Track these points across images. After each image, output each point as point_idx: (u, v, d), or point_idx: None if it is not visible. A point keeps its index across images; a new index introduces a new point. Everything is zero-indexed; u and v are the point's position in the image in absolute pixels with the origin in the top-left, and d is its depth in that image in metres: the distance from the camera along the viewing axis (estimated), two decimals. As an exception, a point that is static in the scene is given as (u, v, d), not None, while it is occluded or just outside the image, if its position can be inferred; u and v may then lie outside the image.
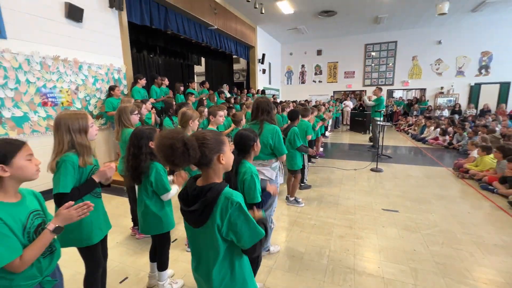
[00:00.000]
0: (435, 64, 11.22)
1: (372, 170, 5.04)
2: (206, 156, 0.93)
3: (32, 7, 3.58)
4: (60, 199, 1.33)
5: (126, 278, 2.10)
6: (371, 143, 7.74)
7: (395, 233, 2.73)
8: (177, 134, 0.88)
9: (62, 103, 4.03)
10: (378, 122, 6.25)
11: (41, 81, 3.74)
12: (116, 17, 4.84)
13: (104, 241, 1.66)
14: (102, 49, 4.61)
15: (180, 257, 2.35)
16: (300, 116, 3.57)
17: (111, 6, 4.62)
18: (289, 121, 3.48)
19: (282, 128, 3.37)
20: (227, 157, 1.01)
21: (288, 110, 6.42)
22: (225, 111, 2.99)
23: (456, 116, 9.65)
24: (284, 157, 2.39)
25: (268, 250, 2.40)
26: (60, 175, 1.34)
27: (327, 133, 9.22)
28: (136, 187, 1.85)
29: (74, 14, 4.04)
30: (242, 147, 1.61)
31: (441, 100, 11.34)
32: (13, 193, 1.02)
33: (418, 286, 1.97)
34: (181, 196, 1.03)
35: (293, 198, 3.51)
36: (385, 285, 1.99)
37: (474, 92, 10.77)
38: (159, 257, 1.89)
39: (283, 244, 2.57)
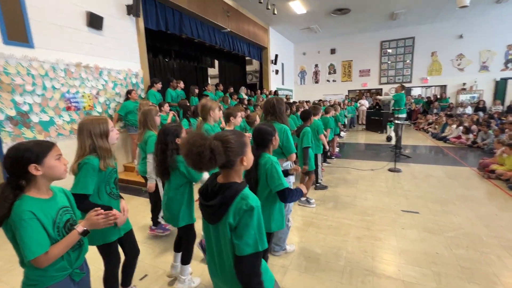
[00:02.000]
0: (456, 60, 10.74)
1: (390, 170, 4.89)
2: (230, 160, 0.96)
3: (57, 18, 3.79)
4: (79, 199, 1.37)
5: (146, 275, 2.16)
6: (389, 143, 7.52)
7: (416, 235, 2.64)
8: (205, 141, 0.90)
9: (84, 108, 4.23)
10: (396, 121, 6.04)
11: (65, 87, 3.94)
12: (134, 24, 5.02)
13: (131, 238, 1.75)
14: (121, 55, 4.80)
15: (198, 257, 2.39)
16: (312, 116, 3.52)
17: (128, 13, 4.80)
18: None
19: (293, 130, 3.36)
20: (249, 158, 1.04)
21: (302, 110, 6.38)
22: (243, 113, 3.02)
23: (481, 113, 9.17)
24: (293, 156, 2.33)
25: (285, 249, 2.39)
26: (80, 176, 1.42)
27: (342, 133, 9.05)
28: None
29: (95, 22, 4.23)
30: (261, 141, 1.63)
31: (463, 97, 10.81)
32: (45, 190, 1.10)
33: (442, 291, 1.89)
34: (201, 190, 1.06)
35: (305, 198, 3.48)
36: (406, 288, 1.93)
37: (500, 88, 10.18)
38: (184, 249, 1.96)
39: (298, 245, 2.55)
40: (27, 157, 1.00)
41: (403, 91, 6.35)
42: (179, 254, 2.09)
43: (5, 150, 3.31)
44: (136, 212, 3.39)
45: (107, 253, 1.61)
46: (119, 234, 1.62)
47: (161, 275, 2.15)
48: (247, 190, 1.00)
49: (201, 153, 0.88)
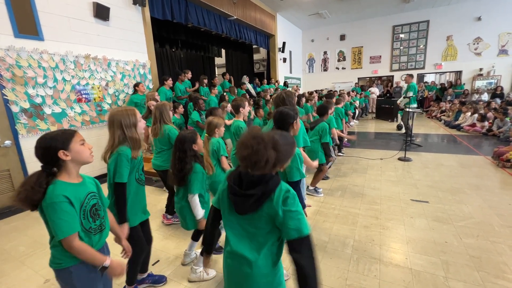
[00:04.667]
0: (473, 44, 10.23)
1: (399, 159, 4.81)
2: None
3: (64, 9, 3.81)
4: (116, 187, 1.52)
5: (158, 261, 2.25)
6: (400, 131, 7.37)
7: (425, 224, 2.62)
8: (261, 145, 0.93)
9: (95, 99, 4.30)
10: (407, 109, 5.89)
11: (75, 79, 4.01)
12: (140, 14, 5.00)
13: (147, 227, 1.84)
14: (128, 45, 4.81)
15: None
16: (329, 111, 3.58)
17: (134, 3, 4.77)
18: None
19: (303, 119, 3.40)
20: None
21: (312, 102, 6.42)
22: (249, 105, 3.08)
23: (498, 100, 8.80)
24: (300, 149, 2.37)
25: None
26: (118, 167, 1.50)
27: (352, 122, 8.90)
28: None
29: (102, 13, 4.23)
30: (281, 124, 1.55)
31: (479, 83, 10.37)
32: (75, 175, 1.18)
33: (450, 279, 1.89)
34: (234, 179, 1.01)
35: (313, 187, 3.50)
36: (413, 276, 1.93)
37: (520, 73, 9.71)
38: None
39: (306, 233, 2.58)
40: (55, 145, 1.09)
41: (413, 80, 6.25)
42: (196, 243, 2.15)
43: (21, 142, 3.44)
44: (147, 201, 3.47)
45: (131, 236, 1.64)
46: (141, 218, 1.70)
47: (173, 261, 2.24)
48: (284, 182, 1.02)
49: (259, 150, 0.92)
